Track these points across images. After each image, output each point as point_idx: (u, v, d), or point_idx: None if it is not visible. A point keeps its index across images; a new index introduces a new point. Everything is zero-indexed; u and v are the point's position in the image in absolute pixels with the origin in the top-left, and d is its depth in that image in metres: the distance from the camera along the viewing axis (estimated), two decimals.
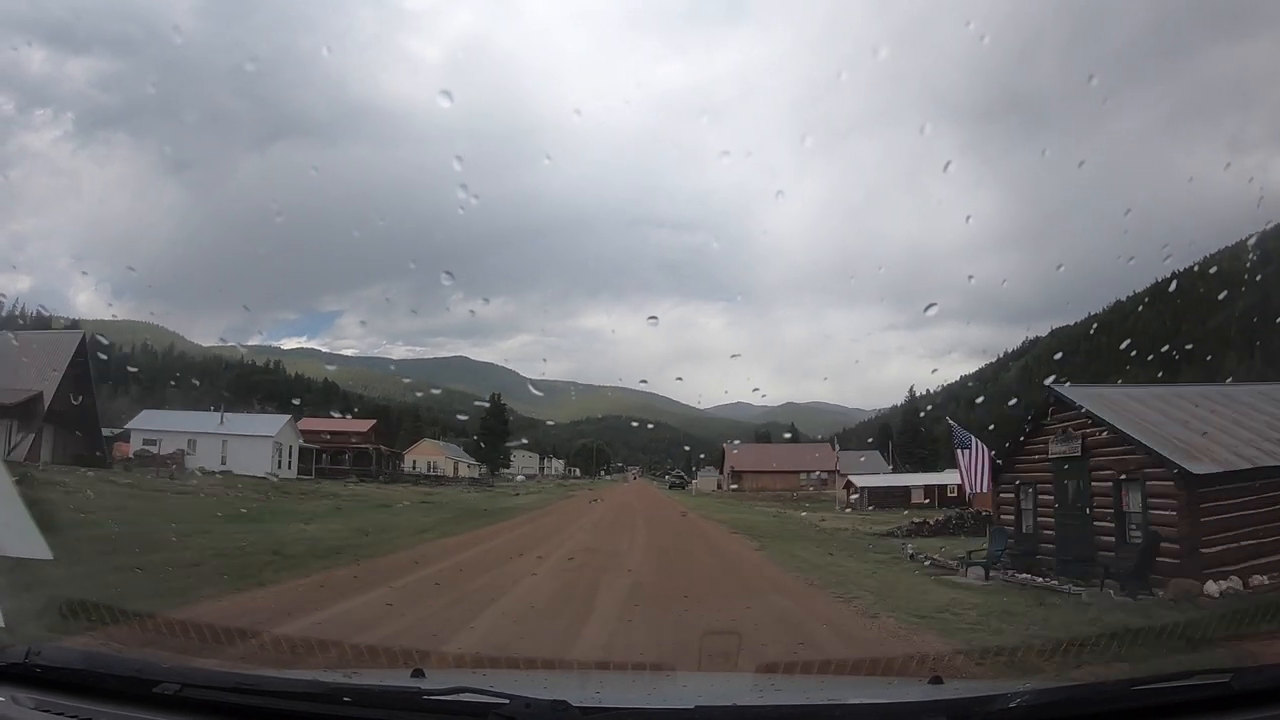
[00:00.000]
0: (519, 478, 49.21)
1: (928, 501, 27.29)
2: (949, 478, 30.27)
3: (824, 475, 37.84)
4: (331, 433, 35.48)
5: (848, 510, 28.02)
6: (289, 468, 29.14)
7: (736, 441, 48.26)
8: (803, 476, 38.60)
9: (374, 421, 38.64)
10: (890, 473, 37.62)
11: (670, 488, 47.04)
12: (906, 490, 29.21)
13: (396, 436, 46.51)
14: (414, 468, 45.79)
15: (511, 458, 57.11)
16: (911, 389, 47.03)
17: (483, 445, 48.96)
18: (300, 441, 31.42)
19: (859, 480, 31.08)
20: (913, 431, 39.50)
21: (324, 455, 34.16)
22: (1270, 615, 4.91)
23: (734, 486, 38.48)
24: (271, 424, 28.76)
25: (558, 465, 64.42)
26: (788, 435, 50.99)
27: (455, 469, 46.45)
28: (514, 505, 20.55)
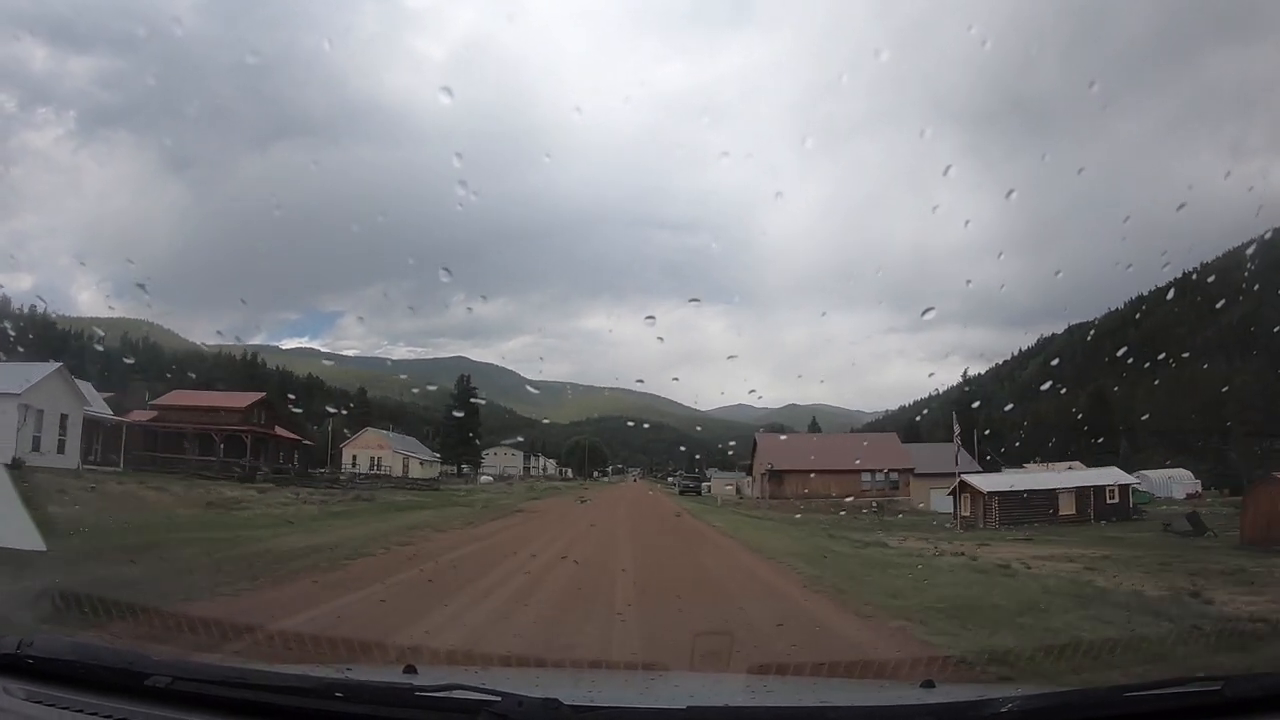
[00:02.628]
0: (483, 478, 51.32)
1: (1075, 513, 24.45)
2: (1107, 475, 26.96)
3: (895, 475, 37.67)
4: (202, 409, 32.92)
5: (952, 524, 24.74)
6: (59, 450, 23.95)
7: (763, 429, 47.09)
8: (865, 478, 37.86)
9: (258, 395, 36.68)
10: (979, 471, 37.19)
11: (681, 493, 46.88)
12: (1052, 496, 25.36)
13: (340, 424, 49.18)
14: (354, 463, 47.61)
15: (487, 455, 62.12)
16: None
17: (450, 439, 51.79)
18: (94, 410, 27.00)
19: (982, 482, 26.74)
20: (965, 423, 40.57)
21: (186, 441, 32.32)
22: None
23: (770, 492, 37.59)
24: (14, 377, 22.38)
25: (547, 465, 71.08)
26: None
27: (405, 466, 47.75)
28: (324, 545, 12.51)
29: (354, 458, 48.31)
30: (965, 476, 27.71)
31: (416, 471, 47.98)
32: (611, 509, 28.57)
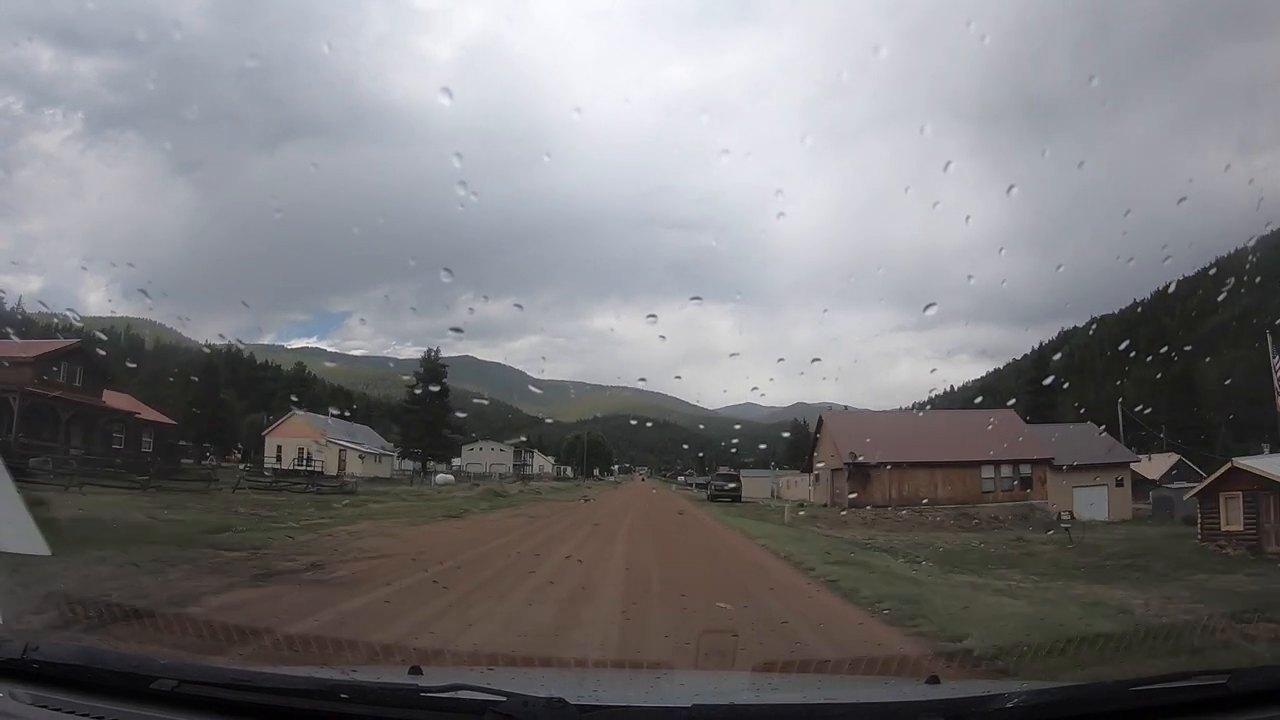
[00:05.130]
0: (439, 478, 53.44)
1: None
2: None
3: (1026, 469, 37.06)
4: None
5: (1232, 549, 21.84)
6: None
7: (831, 409, 45.39)
8: (987, 473, 37.27)
9: (65, 343, 35.11)
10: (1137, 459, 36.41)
11: (710, 499, 46.25)
12: None
13: (265, 404, 52.19)
14: (278, 455, 49.74)
15: (472, 450, 67.61)
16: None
17: (413, 430, 53.90)
18: None
19: None
20: (1042, 400, 42.19)
21: None
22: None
23: (850, 496, 36.42)
24: None
25: (544, 463, 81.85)
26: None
27: (341, 461, 50.45)
28: None
29: (278, 448, 50.57)
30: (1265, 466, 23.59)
31: (357, 467, 50.11)
32: (606, 546, 20.38)
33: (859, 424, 40.10)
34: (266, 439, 53.42)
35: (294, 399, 54.98)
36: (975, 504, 35.72)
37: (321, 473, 45.98)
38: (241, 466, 45.23)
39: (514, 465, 74.00)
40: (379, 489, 41.33)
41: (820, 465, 44.02)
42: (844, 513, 34.41)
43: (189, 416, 47.82)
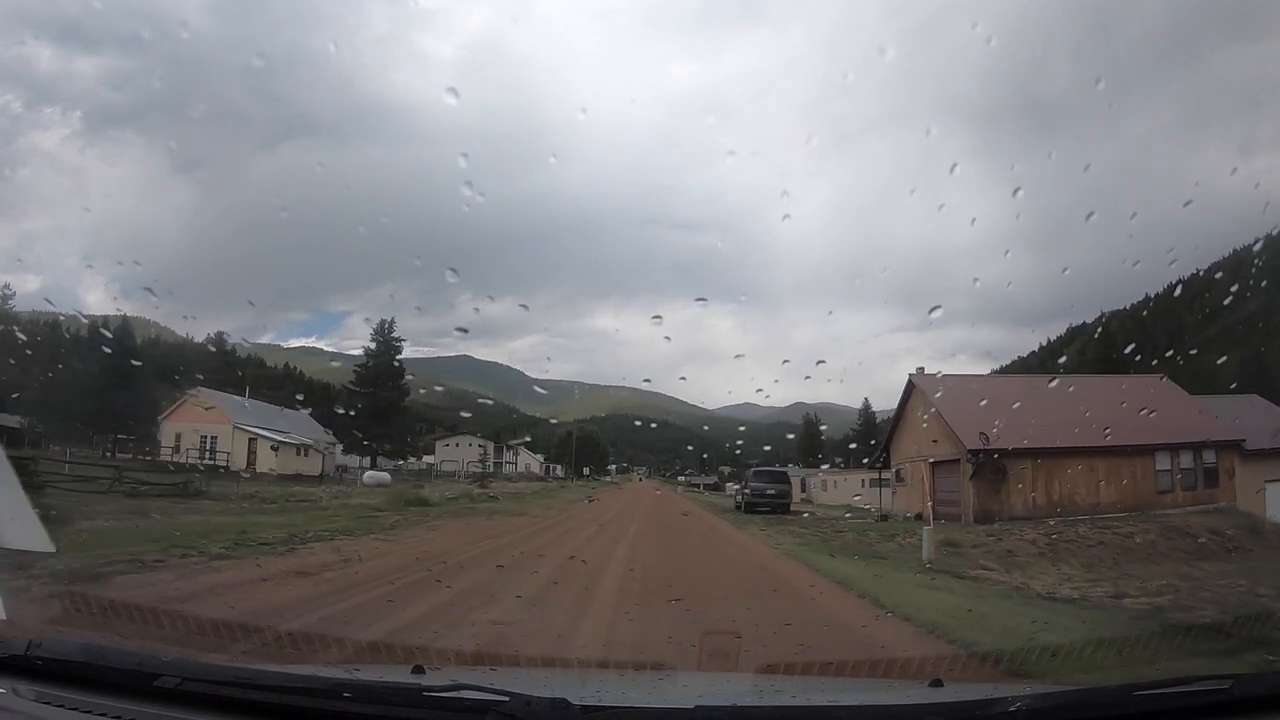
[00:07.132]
0: (368, 476, 55.42)
1: None
2: None
3: (1210, 456, 35.84)
4: None
5: None
6: None
7: (919, 370, 43.22)
8: (1162, 463, 35.62)
9: None
10: None
11: (743, 509, 43.75)
12: None
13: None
14: (175, 445, 51.53)
15: (447, 446, 72.12)
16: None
17: (361, 417, 55.67)
18: None
19: None
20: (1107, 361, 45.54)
21: None
22: None
23: (978, 501, 34.79)
24: None
25: (531, 461, 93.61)
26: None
27: (251, 453, 53.23)
28: None
29: (177, 436, 52.38)
30: None
31: (270, 460, 52.70)
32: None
33: (974, 393, 36.71)
34: (165, 424, 55.87)
35: (199, 377, 56.75)
36: (1150, 509, 33.88)
37: (227, 467, 47.92)
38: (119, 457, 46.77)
39: (493, 463, 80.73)
40: (250, 489, 40.16)
41: (911, 456, 41.56)
42: (984, 532, 30.17)
43: (67, 399, 49.93)
